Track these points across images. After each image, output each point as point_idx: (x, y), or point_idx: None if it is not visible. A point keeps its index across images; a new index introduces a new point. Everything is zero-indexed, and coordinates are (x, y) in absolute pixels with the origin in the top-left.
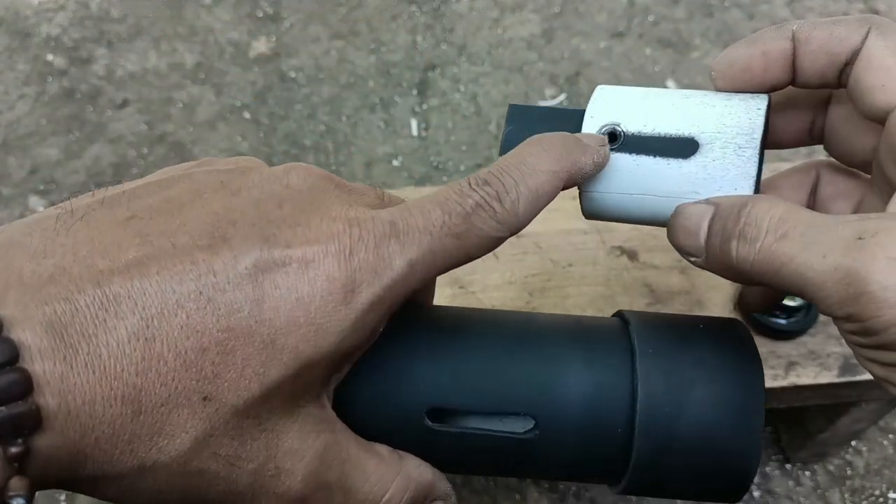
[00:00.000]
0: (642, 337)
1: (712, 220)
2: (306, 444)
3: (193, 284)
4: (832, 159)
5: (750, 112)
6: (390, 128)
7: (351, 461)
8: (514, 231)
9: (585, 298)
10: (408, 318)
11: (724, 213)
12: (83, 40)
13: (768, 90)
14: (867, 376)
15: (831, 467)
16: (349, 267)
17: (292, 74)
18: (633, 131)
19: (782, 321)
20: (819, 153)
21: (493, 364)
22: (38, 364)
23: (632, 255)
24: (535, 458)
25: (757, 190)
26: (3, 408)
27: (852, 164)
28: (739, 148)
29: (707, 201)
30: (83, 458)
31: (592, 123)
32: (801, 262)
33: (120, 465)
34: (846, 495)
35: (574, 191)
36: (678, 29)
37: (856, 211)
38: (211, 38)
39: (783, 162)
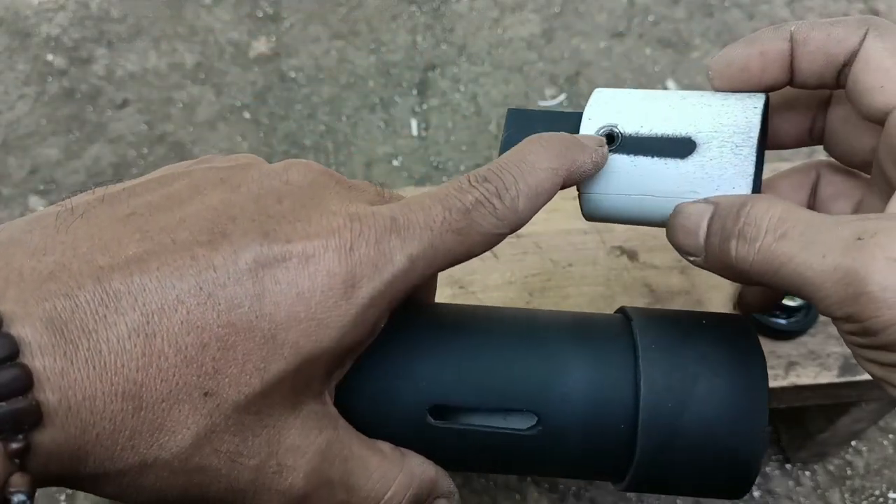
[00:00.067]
0: (645, 333)
1: (711, 219)
2: (308, 440)
3: (193, 280)
4: (832, 159)
5: (747, 111)
6: (390, 128)
7: (353, 458)
8: (515, 228)
9: (585, 298)
10: (409, 316)
11: (724, 213)
12: (83, 40)
13: (765, 90)
14: (867, 376)
15: (831, 467)
16: (350, 262)
17: (292, 74)
18: (630, 132)
19: (782, 321)
20: (819, 153)
21: (496, 361)
22: (39, 360)
23: (632, 255)
24: (538, 456)
25: (757, 189)
26: (3, 403)
27: (852, 165)
28: (736, 147)
29: (706, 200)
30: (84, 454)
31: (590, 125)
32: (800, 262)
33: (121, 462)
34: (846, 495)
35: (574, 191)
36: (678, 29)
37: (856, 211)
38: (211, 38)
39: (783, 162)
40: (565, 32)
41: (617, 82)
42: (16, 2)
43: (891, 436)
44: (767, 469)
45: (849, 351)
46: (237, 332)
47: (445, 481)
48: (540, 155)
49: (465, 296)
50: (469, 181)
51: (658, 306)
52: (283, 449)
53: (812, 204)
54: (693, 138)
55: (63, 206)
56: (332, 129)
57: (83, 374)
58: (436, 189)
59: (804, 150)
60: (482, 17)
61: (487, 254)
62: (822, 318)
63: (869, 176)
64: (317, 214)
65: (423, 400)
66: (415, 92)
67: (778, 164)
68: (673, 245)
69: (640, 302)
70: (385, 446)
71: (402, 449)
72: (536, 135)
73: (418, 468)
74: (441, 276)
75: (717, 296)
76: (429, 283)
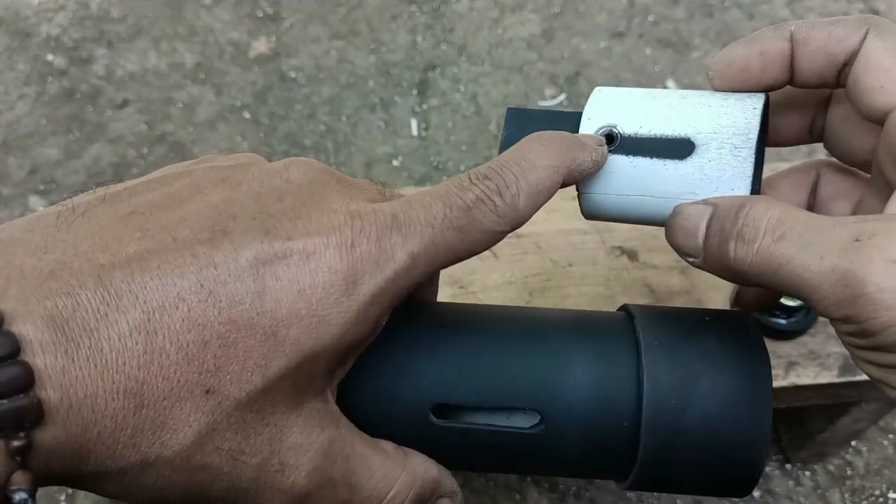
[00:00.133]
0: (647, 330)
1: (710, 220)
2: (310, 438)
3: (194, 277)
4: (832, 158)
5: (746, 112)
6: (390, 128)
7: (356, 457)
8: (515, 225)
9: (585, 298)
10: (411, 314)
11: (723, 214)
12: (83, 40)
13: (765, 90)
14: (867, 377)
15: (831, 467)
16: (351, 258)
17: (292, 74)
18: (629, 133)
19: (782, 321)
20: (819, 152)
21: (498, 359)
22: (40, 358)
23: (632, 255)
24: (541, 454)
25: (757, 189)
26: (4, 401)
27: (853, 164)
28: (735, 148)
29: (705, 202)
30: (86, 452)
31: (590, 125)
32: (798, 264)
33: (122, 460)
34: (846, 495)
35: (574, 191)
36: (678, 29)
37: (855, 210)
38: (211, 38)
39: (783, 161)
40: (565, 32)
41: (617, 82)
42: (16, 2)
43: (891, 436)
44: (767, 469)
45: None
46: (238, 329)
47: (448, 481)
48: (540, 153)
49: (465, 296)
50: (470, 179)
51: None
52: (285, 447)
53: (812, 203)
54: (692, 139)
55: (64, 206)
56: (332, 129)
57: (84, 371)
58: (436, 187)
59: (804, 149)
60: (482, 17)
61: (487, 254)
62: (821, 318)
63: (869, 175)
64: (317, 212)
65: (425, 399)
66: (415, 92)
67: (778, 163)
68: (672, 246)
69: (640, 302)
70: (387, 445)
71: (405, 448)
72: (536, 133)
73: (421, 467)
74: (441, 275)
75: (717, 296)
76: (431, 283)
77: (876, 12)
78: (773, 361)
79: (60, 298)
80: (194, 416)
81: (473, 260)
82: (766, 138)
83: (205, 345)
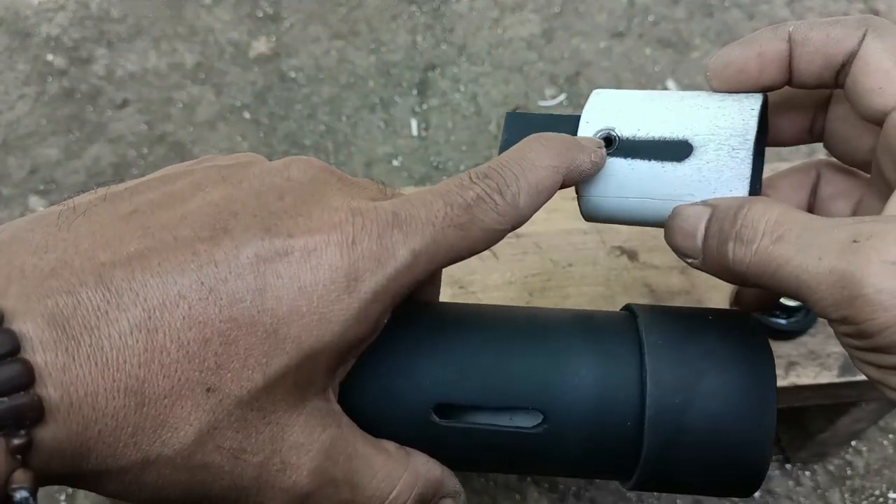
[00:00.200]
0: (650, 329)
1: (709, 221)
2: (312, 437)
3: (195, 275)
4: (832, 158)
5: (744, 113)
6: (390, 128)
7: (358, 457)
8: (516, 224)
9: (585, 298)
10: (413, 314)
11: (721, 215)
12: (83, 40)
13: (763, 91)
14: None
15: (831, 467)
16: (352, 256)
17: (292, 74)
18: (627, 136)
19: (782, 321)
20: (819, 152)
21: (501, 359)
22: (40, 355)
23: (632, 255)
24: (544, 454)
25: (757, 189)
26: (5, 399)
27: (852, 164)
28: (733, 149)
29: (704, 203)
30: (86, 451)
31: (588, 129)
32: (796, 265)
33: (123, 459)
34: (846, 495)
35: (574, 191)
36: (678, 29)
37: (855, 210)
38: (211, 38)
39: (783, 161)
40: (565, 32)
41: (617, 82)
42: (16, 2)
43: (891, 436)
44: None
45: None
46: (239, 326)
47: (451, 481)
48: (540, 153)
49: (465, 296)
50: (470, 178)
51: None
52: (286, 446)
53: (812, 203)
54: (690, 141)
55: (65, 205)
56: (332, 129)
57: (85, 370)
58: (437, 185)
59: (804, 149)
60: (482, 17)
61: (487, 253)
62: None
63: (869, 175)
64: (318, 209)
65: (427, 398)
66: (415, 92)
67: (778, 163)
68: (671, 247)
69: (641, 302)
70: (390, 445)
71: (407, 448)
72: (536, 134)
73: (423, 467)
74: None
75: (717, 296)
76: (433, 282)
77: (876, 12)
78: None
79: (61, 297)
80: (195, 415)
81: (473, 260)
82: (766, 139)
83: (205, 342)
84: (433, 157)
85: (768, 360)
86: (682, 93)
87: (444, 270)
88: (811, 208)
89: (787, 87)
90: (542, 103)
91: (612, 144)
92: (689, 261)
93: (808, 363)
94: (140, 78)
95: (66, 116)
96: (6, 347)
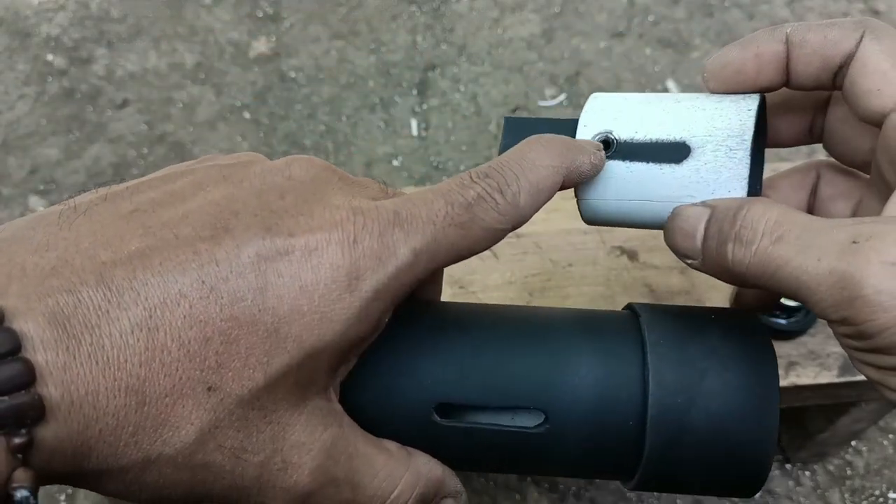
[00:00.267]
0: (652, 328)
1: (709, 222)
2: (313, 437)
3: (196, 274)
4: (832, 159)
5: (741, 114)
6: (390, 128)
7: (359, 456)
8: (516, 224)
9: (585, 298)
10: (414, 313)
11: (721, 216)
12: (83, 40)
13: (761, 92)
14: None
15: (831, 467)
16: (353, 254)
17: (292, 74)
18: (625, 138)
19: (782, 321)
20: (819, 153)
21: (502, 358)
22: (41, 354)
23: (632, 255)
24: (546, 454)
25: (757, 190)
26: (5, 398)
27: (852, 165)
28: (730, 150)
29: (703, 204)
30: (87, 450)
31: (586, 132)
32: (796, 266)
33: (124, 459)
34: (846, 495)
35: (574, 191)
36: (678, 29)
37: (855, 211)
38: (211, 38)
39: (783, 162)
40: (565, 32)
41: (617, 82)
42: (16, 2)
43: (891, 436)
44: None
45: None
46: (240, 325)
47: (452, 481)
48: (541, 153)
49: (465, 296)
50: (471, 177)
51: None
52: (287, 445)
53: (812, 204)
54: (687, 143)
55: (66, 205)
56: (332, 129)
57: (86, 368)
58: (438, 185)
59: (804, 149)
60: (482, 17)
61: (487, 253)
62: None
63: (869, 176)
64: (319, 208)
65: (428, 398)
66: (415, 92)
67: (778, 164)
68: (670, 248)
69: (641, 301)
70: (391, 445)
71: (409, 448)
72: (537, 135)
73: (425, 467)
74: None
75: (717, 296)
76: (434, 282)
77: (876, 12)
78: None
79: (62, 296)
80: (196, 414)
81: (473, 260)
82: (765, 139)
83: (206, 341)
84: (433, 157)
85: (771, 359)
86: (679, 95)
87: (444, 270)
88: (811, 209)
89: (786, 89)
90: (542, 103)
91: (611, 147)
92: (689, 261)
93: (808, 363)
94: (140, 78)
95: (66, 116)
96: (7, 346)
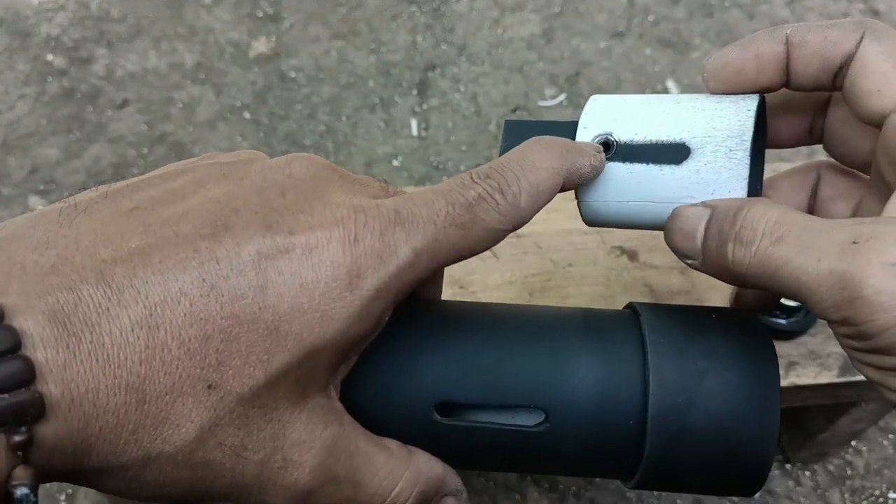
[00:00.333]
0: (653, 327)
1: (709, 222)
2: (314, 435)
3: (196, 272)
4: (832, 160)
5: (740, 114)
6: (390, 128)
7: (360, 454)
8: (517, 224)
9: (585, 298)
10: (415, 312)
11: (721, 216)
12: (83, 40)
13: (760, 93)
14: None
15: (831, 467)
16: (354, 252)
17: (292, 74)
18: (625, 140)
19: (782, 321)
20: (820, 153)
21: (503, 357)
22: (41, 352)
23: (632, 255)
24: (546, 453)
25: (757, 190)
26: (5, 395)
27: (852, 165)
28: (730, 151)
29: (704, 204)
30: (87, 448)
31: (586, 134)
32: (796, 266)
33: (124, 456)
34: (846, 495)
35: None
36: (678, 29)
37: (855, 212)
38: (211, 38)
39: (783, 162)
40: (565, 32)
41: (617, 82)
42: (16, 2)
43: (891, 436)
44: None
45: None
46: (240, 323)
47: (453, 479)
48: (541, 154)
49: (465, 295)
50: (472, 177)
51: None
52: (288, 443)
53: (812, 204)
54: (687, 144)
55: (66, 203)
56: (332, 129)
57: (86, 366)
58: (438, 185)
59: (804, 149)
60: (482, 17)
61: (487, 254)
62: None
63: (869, 177)
64: (320, 206)
65: (428, 397)
66: (415, 92)
67: (778, 164)
68: (670, 248)
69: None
70: (392, 443)
71: (409, 446)
72: (537, 137)
73: (425, 465)
74: None
75: (717, 296)
76: (434, 281)
77: (876, 12)
78: None
79: (62, 293)
80: (196, 412)
81: (473, 260)
82: (765, 140)
83: (207, 339)
84: (433, 157)
85: (772, 359)
86: (678, 96)
87: (444, 270)
88: (811, 209)
89: (786, 90)
90: (542, 103)
91: (611, 149)
92: (689, 262)
93: (808, 363)
94: (140, 78)
95: (66, 116)
96: (7, 344)
